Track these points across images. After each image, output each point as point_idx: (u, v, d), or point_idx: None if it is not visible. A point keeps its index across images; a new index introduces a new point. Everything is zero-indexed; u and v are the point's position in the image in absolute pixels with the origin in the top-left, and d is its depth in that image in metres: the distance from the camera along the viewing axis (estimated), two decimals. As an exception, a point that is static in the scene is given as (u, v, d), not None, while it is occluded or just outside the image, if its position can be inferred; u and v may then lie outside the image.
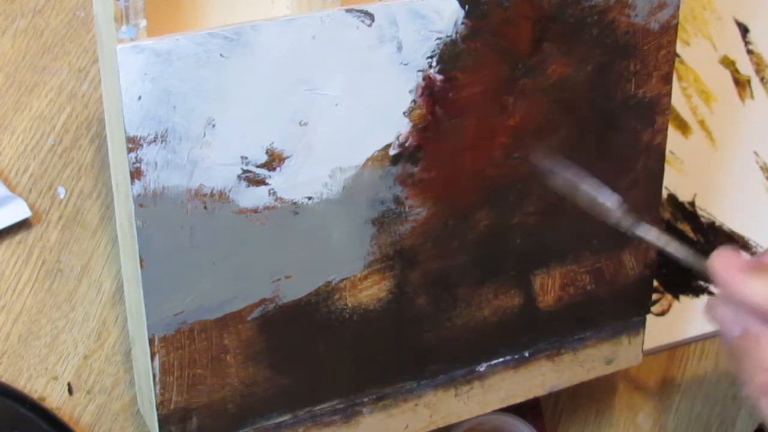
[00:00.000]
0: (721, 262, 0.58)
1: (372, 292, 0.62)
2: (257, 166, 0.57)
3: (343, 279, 0.61)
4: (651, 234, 0.62)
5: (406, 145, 0.60)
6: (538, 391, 0.70)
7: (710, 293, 0.85)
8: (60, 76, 0.73)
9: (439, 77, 0.60)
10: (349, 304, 0.62)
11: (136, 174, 0.54)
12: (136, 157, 0.54)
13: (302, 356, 0.62)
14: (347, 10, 0.57)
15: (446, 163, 0.62)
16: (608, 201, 0.62)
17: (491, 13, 0.60)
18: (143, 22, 0.53)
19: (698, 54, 0.91)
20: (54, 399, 0.67)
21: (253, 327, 0.60)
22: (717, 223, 0.87)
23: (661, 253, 0.63)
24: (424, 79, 0.59)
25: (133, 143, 0.54)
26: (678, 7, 0.66)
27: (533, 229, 0.66)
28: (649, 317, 0.73)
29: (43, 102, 0.72)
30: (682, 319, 0.83)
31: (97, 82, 0.73)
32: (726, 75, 0.92)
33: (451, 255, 0.64)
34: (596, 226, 0.68)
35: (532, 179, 0.65)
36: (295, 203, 0.58)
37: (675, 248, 0.61)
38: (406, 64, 0.59)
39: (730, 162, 0.89)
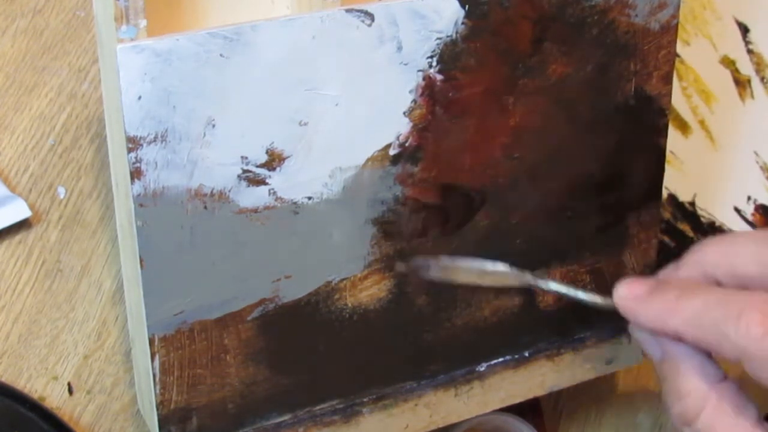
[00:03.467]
0: (621, 294, 0.57)
1: (372, 292, 0.62)
2: (257, 166, 0.57)
3: (343, 279, 0.61)
4: (551, 285, 0.62)
5: (406, 145, 0.60)
6: (538, 391, 0.70)
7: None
8: (60, 76, 0.73)
9: (439, 77, 0.60)
10: (349, 304, 0.62)
11: (136, 174, 0.54)
12: (136, 157, 0.54)
13: (302, 356, 0.62)
14: (347, 10, 0.57)
15: (446, 163, 0.62)
16: (498, 266, 0.62)
17: (491, 13, 0.60)
18: (143, 22, 0.53)
19: (698, 54, 0.91)
20: (54, 399, 0.67)
21: (253, 327, 0.60)
22: (717, 223, 0.87)
23: (583, 295, 0.62)
24: (424, 79, 0.59)
25: (133, 143, 0.54)
26: (678, 7, 0.66)
27: (533, 229, 0.66)
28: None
29: (43, 102, 0.72)
30: (682, 319, 0.83)
31: (97, 82, 0.73)
32: (726, 75, 0.92)
33: (451, 255, 0.64)
34: (596, 226, 0.68)
35: (533, 179, 0.65)
36: (295, 203, 0.58)
37: (579, 294, 0.61)
38: (406, 64, 0.59)
39: (730, 162, 0.89)
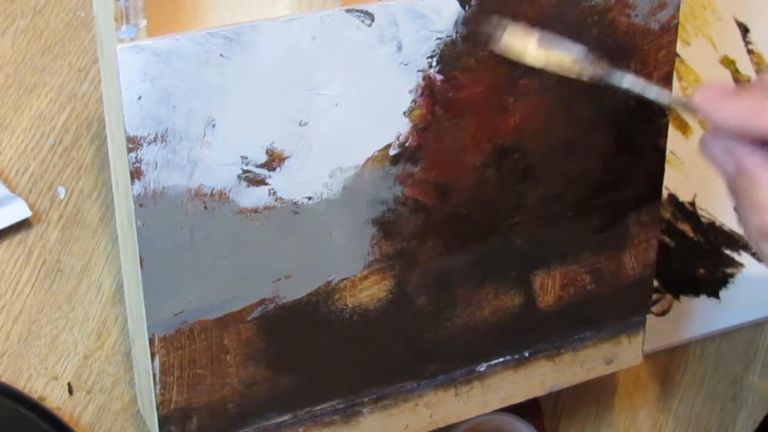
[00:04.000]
0: (702, 94, 0.54)
1: (372, 292, 0.62)
2: (257, 166, 0.57)
3: (343, 279, 0.61)
4: (627, 79, 0.58)
5: (406, 145, 0.60)
6: (538, 391, 0.70)
7: (712, 293, 0.85)
8: (60, 76, 0.73)
9: (439, 77, 0.60)
10: (349, 304, 0.62)
11: (136, 174, 0.54)
12: (136, 157, 0.54)
13: (302, 356, 0.62)
14: (347, 10, 0.57)
15: (446, 163, 0.62)
16: (574, 51, 0.59)
17: (491, 12, 0.60)
18: (143, 22, 0.53)
19: (698, 54, 0.91)
20: (54, 399, 0.67)
21: (253, 327, 0.60)
22: (717, 223, 0.87)
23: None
24: (424, 79, 0.59)
25: (133, 143, 0.54)
26: (678, 7, 0.66)
27: (533, 229, 0.66)
28: (649, 317, 0.73)
29: (43, 102, 0.72)
30: (682, 319, 0.83)
31: (97, 82, 0.73)
32: (726, 75, 0.92)
33: (451, 255, 0.64)
34: (596, 226, 0.68)
35: (532, 179, 0.65)
36: (295, 203, 0.58)
37: (655, 92, 0.58)
38: (406, 64, 0.59)
39: (730, 162, 0.89)
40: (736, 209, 0.54)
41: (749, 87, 0.54)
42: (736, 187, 0.54)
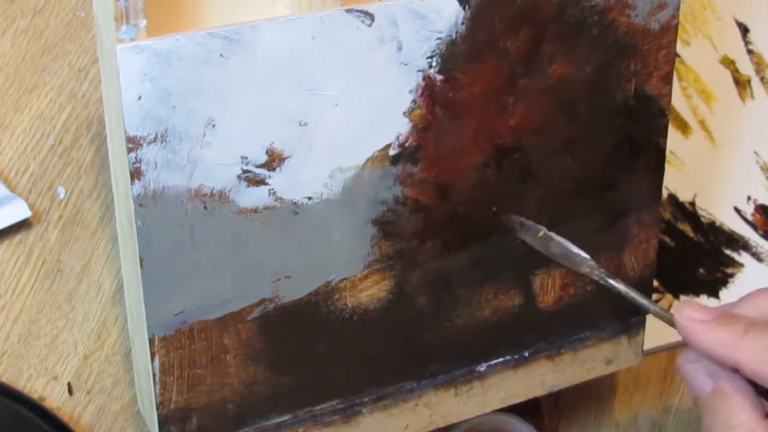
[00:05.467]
0: (685, 314, 0.58)
1: (372, 292, 0.62)
2: (257, 166, 0.57)
3: (343, 279, 0.61)
4: (620, 287, 0.62)
5: (406, 145, 0.60)
6: (538, 391, 0.70)
7: (712, 293, 0.85)
8: (60, 76, 0.73)
9: (439, 77, 0.60)
10: (349, 304, 0.62)
11: (136, 174, 0.54)
12: (136, 157, 0.54)
13: (302, 356, 0.62)
14: (347, 10, 0.57)
15: (446, 163, 0.62)
16: (582, 252, 0.64)
17: (491, 12, 0.60)
18: (143, 22, 0.53)
19: (698, 54, 0.91)
20: (54, 399, 0.67)
21: (253, 327, 0.60)
22: (717, 223, 0.87)
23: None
24: (424, 79, 0.59)
25: (133, 143, 0.54)
26: (678, 7, 0.66)
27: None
28: (649, 317, 0.73)
29: (43, 102, 0.72)
30: (682, 319, 0.83)
31: (97, 82, 0.73)
32: (726, 75, 0.92)
33: (451, 255, 0.64)
34: (596, 226, 0.68)
35: (532, 179, 0.65)
36: (295, 203, 0.58)
37: (642, 300, 0.62)
38: (406, 64, 0.59)
39: (730, 162, 0.89)
40: (704, 428, 0.57)
41: (733, 316, 0.57)
42: (710, 407, 0.57)
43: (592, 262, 0.63)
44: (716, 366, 0.57)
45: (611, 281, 0.62)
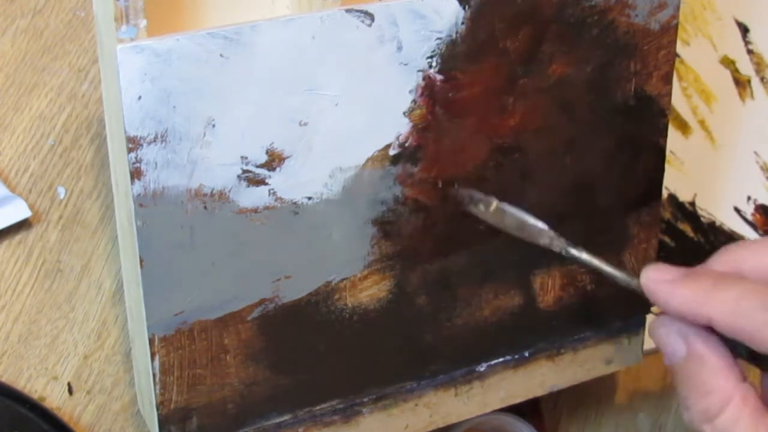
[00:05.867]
0: (651, 276, 0.56)
1: (372, 292, 0.62)
2: (257, 166, 0.57)
3: (343, 279, 0.61)
4: (583, 255, 0.61)
5: (406, 145, 0.60)
6: (538, 391, 0.70)
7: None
8: (60, 76, 0.73)
9: (439, 77, 0.60)
10: (349, 304, 0.62)
11: (136, 174, 0.54)
12: (136, 157, 0.54)
13: (302, 356, 0.62)
14: (347, 10, 0.57)
15: (446, 163, 0.62)
16: (539, 223, 0.61)
17: (491, 12, 0.60)
18: (143, 22, 0.53)
19: (698, 54, 0.91)
20: (54, 399, 0.67)
21: (253, 327, 0.60)
22: (717, 223, 0.87)
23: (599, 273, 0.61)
24: (424, 79, 0.59)
25: (133, 143, 0.54)
26: (678, 7, 0.66)
27: (533, 229, 0.66)
28: (649, 317, 0.73)
29: (43, 102, 0.72)
30: (682, 319, 0.83)
31: (97, 82, 0.73)
32: (726, 75, 0.92)
33: (451, 255, 0.64)
34: (596, 226, 0.68)
35: (532, 179, 0.65)
36: (295, 203, 0.58)
37: (607, 269, 0.60)
38: (406, 64, 0.59)
39: (730, 162, 0.89)
40: (681, 397, 0.55)
41: (699, 273, 0.55)
42: (684, 373, 0.55)
43: (552, 233, 0.61)
44: (689, 327, 0.54)
45: (573, 251, 0.60)
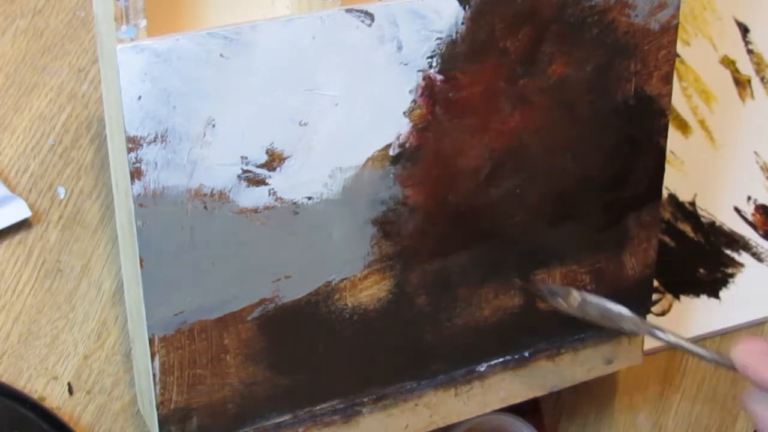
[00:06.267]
0: (744, 350, 0.57)
1: (372, 292, 0.62)
2: (257, 166, 0.57)
3: (343, 279, 0.61)
4: (670, 337, 0.62)
5: (406, 145, 0.60)
6: (538, 391, 0.70)
7: (712, 293, 0.85)
8: (60, 76, 0.73)
9: (439, 77, 0.60)
10: (349, 304, 0.62)
11: (136, 174, 0.54)
12: (136, 157, 0.54)
13: (302, 356, 0.62)
14: (347, 10, 0.57)
15: (446, 163, 0.62)
16: (622, 309, 0.63)
17: (491, 12, 0.60)
18: (143, 22, 0.53)
19: (698, 54, 0.91)
20: (54, 399, 0.67)
21: (253, 327, 0.60)
22: (717, 223, 0.87)
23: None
24: (424, 79, 0.59)
25: (133, 143, 0.54)
26: (678, 7, 0.66)
27: (533, 228, 0.66)
28: (649, 317, 0.73)
29: (43, 102, 0.72)
30: (682, 319, 0.83)
31: (97, 82, 0.73)
32: (726, 75, 0.92)
33: (451, 255, 0.64)
34: (596, 226, 0.68)
35: (533, 179, 0.65)
36: (295, 203, 0.58)
37: (694, 349, 0.61)
38: (406, 64, 0.59)
39: (730, 162, 0.89)
40: None
41: None
42: None
43: (636, 318, 0.63)
44: None
45: (659, 333, 0.62)
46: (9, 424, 0.63)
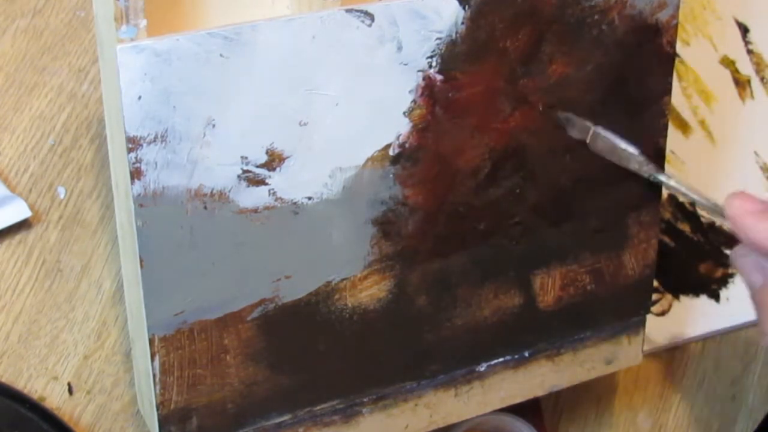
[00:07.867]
0: (736, 205, 0.57)
1: (372, 292, 0.62)
2: (257, 166, 0.57)
3: (343, 279, 0.61)
4: (671, 182, 0.62)
5: (406, 145, 0.60)
6: (538, 391, 0.70)
7: (712, 293, 0.85)
8: (60, 76, 0.73)
9: (439, 77, 0.60)
10: (349, 304, 0.62)
11: (136, 174, 0.54)
12: (136, 157, 0.54)
13: (302, 356, 0.62)
14: (347, 10, 0.57)
15: (446, 163, 0.62)
16: (630, 147, 0.63)
17: (491, 12, 0.60)
18: (143, 22, 0.53)
19: (698, 54, 0.91)
20: (54, 399, 0.67)
21: (253, 327, 0.60)
22: (717, 223, 0.87)
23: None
24: (424, 79, 0.59)
25: (133, 143, 0.54)
26: (678, 7, 0.66)
27: (533, 229, 0.66)
28: (649, 317, 0.73)
29: (43, 102, 0.72)
30: (682, 319, 0.83)
31: (97, 82, 0.73)
32: (726, 75, 0.92)
33: (451, 255, 0.64)
34: (596, 226, 0.68)
35: (532, 179, 0.65)
36: (295, 203, 0.58)
37: (694, 195, 0.61)
38: (406, 64, 0.59)
39: (730, 162, 0.89)
40: (759, 322, 0.57)
41: None
42: (761, 300, 0.57)
43: (641, 157, 0.63)
44: (766, 260, 0.56)
45: (662, 177, 0.62)
46: (9, 424, 0.63)
